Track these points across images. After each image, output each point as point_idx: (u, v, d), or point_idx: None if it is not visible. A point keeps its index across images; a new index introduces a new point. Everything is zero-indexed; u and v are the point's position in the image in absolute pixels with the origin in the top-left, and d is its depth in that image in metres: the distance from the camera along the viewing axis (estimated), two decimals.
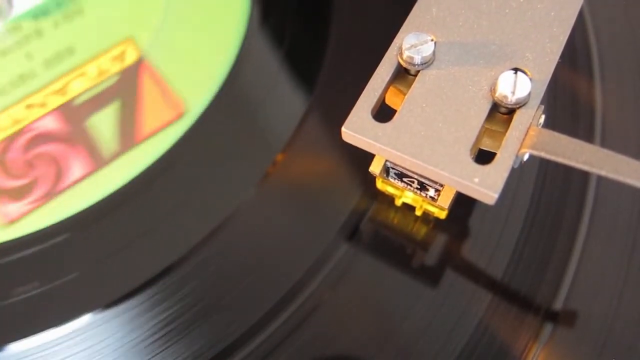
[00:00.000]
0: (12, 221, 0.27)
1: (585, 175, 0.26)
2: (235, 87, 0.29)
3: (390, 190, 0.25)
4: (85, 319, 0.25)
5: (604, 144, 0.27)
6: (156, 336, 0.24)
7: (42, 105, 0.30)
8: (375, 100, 0.22)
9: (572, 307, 0.24)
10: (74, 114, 0.29)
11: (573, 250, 0.25)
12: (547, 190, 0.26)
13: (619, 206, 0.26)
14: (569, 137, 0.21)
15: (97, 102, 0.30)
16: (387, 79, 0.23)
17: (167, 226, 0.27)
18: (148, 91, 0.30)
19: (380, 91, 0.22)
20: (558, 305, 0.24)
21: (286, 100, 0.29)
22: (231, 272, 0.26)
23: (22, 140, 0.29)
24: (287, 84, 0.29)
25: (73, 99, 0.30)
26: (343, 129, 0.22)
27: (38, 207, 0.28)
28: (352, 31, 0.30)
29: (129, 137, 0.29)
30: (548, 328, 0.24)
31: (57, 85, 0.30)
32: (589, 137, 0.27)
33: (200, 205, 0.27)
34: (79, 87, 0.30)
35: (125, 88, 0.30)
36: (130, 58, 0.31)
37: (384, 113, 0.23)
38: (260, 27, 0.31)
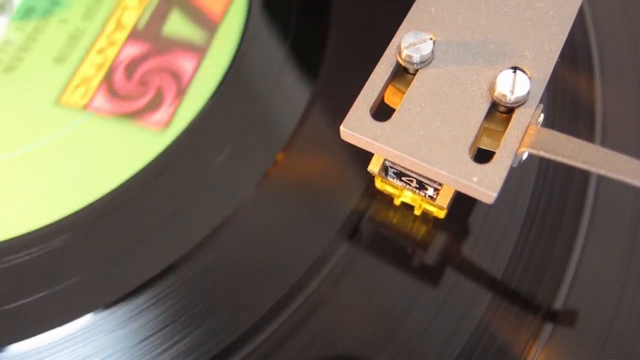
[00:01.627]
0: (167, 123, 0.29)
1: (585, 175, 0.26)
2: (236, 88, 0.29)
3: (389, 189, 0.25)
4: (86, 319, 0.25)
5: (604, 143, 0.27)
6: (156, 336, 0.24)
7: (112, 43, 0.31)
8: (373, 99, 0.22)
9: (572, 307, 0.24)
10: (146, 34, 0.31)
11: (573, 250, 0.25)
12: (547, 190, 0.26)
13: (619, 206, 0.26)
14: (568, 136, 0.21)
15: (159, 17, 0.32)
16: (386, 77, 0.23)
17: (168, 226, 0.27)
18: None
19: (378, 90, 0.22)
20: (558, 305, 0.24)
21: (286, 100, 0.29)
22: (231, 272, 0.26)
23: (119, 72, 0.31)
24: (287, 83, 0.29)
25: (135, 26, 0.32)
26: (341, 127, 0.22)
27: (180, 103, 0.29)
28: (353, 32, 0.30)
29: (208, 23, 0.31)
30: (548, 328, 0.24)
31: (111, 26, 0.32)
32: (589, 137, 0.27)
33: (201, 205, 0.27)
34: (132, 17, 0.32)
35: None
36: None
37: (382, 112, 0.22)
38: (260, 28, 0.31)
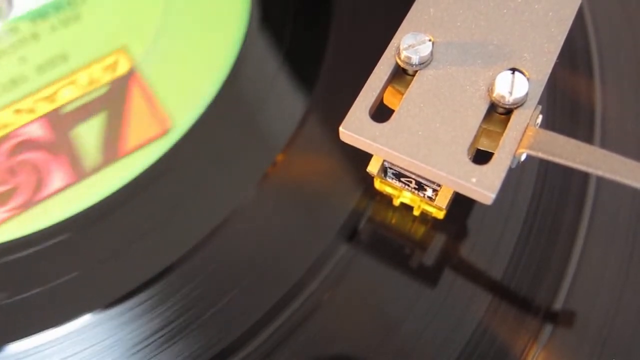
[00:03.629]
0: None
1: (585, 176, 0.26)
2: (236, 88, 0.29)
3: (388, 190, 0.25)
4: (85, 319, 0.25)
5: (603, 144, 0.27)
6: (156, 336, 0.25)
7: (31, 111, 0.30)
8: (373, 100, 0.22)
9: (572, 308, 0.24)
10: (61, 122, 0.29)
11: (573, 251, 0.25)
12: (547, 190, 0.26)
13: (619, 206, 0.26)
14: (566, 137, 0.21)
15: (85, 112, 0.29)
16: (385, 79, 0.23)
17: (168, 226, 0.27)
18: (136, 105, 0.29)
19: (378, 91, 0.22)
20: (558, 305, 0.24)
21: (286, 101, 0.29)
22: (231, 272, 0.26)
23: (7, 145, 0.29)
24: (287, 84, 0.29)
25: (61, 107, 0.30)
26: (341, 128, 0.22)
27: (15, 215, 0.27)
28: (352, 32, 0.30)
29: (112, 151, 0.28)
30: (548, 329, 0.24)
31: (47, 92, 0.30)
32: (588, 138, 0.27)
33: (201, 205, 0.27)
34: (69, 95, 0.30)
35: (114, 99, 0.30)
36: (122, 69, 0.30)
37: (382, 113, 0.23)
38: (260, 27, 0.31)
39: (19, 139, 0.29)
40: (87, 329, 0.25)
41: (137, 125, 0.29)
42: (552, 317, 0.24)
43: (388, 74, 0.23)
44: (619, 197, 0.26)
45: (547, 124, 0.27)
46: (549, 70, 0.22)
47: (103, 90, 0.30)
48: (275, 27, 0.31)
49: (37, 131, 0.29)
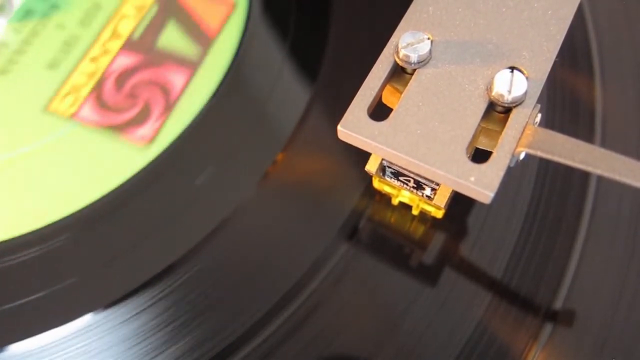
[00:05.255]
0: (151, 139, 0.29)
1: (585, 175, 0.26)
2: (236, 88, 0.29)
3: (387, 189, 0.25)
4: (85, 319, 0.25)
5: (604, 143, 0.27)
6: (156, 336, 0.25)
7: (105, 52, 0.31)
8: (371, 98, 0.22)
9: (572, 308, 0.24)
10: (141, 44, 0.31)
11: (573, 250, 0.25)
12: (547, 190, 0.26)
13: (619, 206, 0.26)
14: (565, 136, 0.21)
15: (155, 28, 0.31)
16: (384, 77, 0.23)
17: (168, 226, 0.27)
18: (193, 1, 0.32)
19: (376, 90, 0.22)
20: (558, 305, 0.24)
21: (286, 100, 0.29)
22: (231, 272, 0.26)
23: (109, 83, 0.30)
24: (287, 83, 0.29)
25: (130, 36, 0.31)
26: (339, 127, 0.22)
27: (166, 119, 0.29)
28: (352, 32, 0.30)
29: (204, 38, 0.31)
30: (548, 328, 0.24)
31: (107, 34, 0.32)
32: (589, 137, 0.27)
33: (201, 205, 0.27)
34: (128, 26, 0.32)
35: (171, 8, 0.32)
36: None
37: (381, 112, 0.23)
38: (259, 28, 0.31)
39: (116, 72, 0.31)
40: (87, 329, 0.25)
41: (207, 12, 0.32)
42: (552, 316, 0.24)
43: (386, 72, 0.23)
44: (620, 196, 0.26)
45: (547, 124, 0.27)
46: (548, 69, 0.22)
47: (155, 9, 0.32)
48: (275, 27, 0.31)
49: (126, 61, 0.31)
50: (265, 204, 0.27)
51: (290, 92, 0.29)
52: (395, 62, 0.23)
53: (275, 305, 0.25)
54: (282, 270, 0.25)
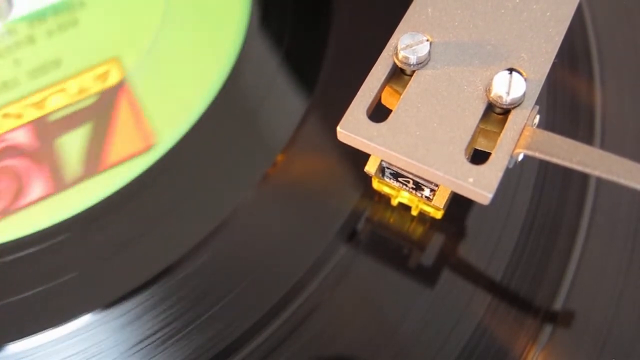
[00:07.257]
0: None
1: (585, 176, 0.26)
2: (236, 88, 0.29)
3: (386, 190, 0.25)
4: (85, 319, 0.25)
5: (603, 144, 0.27)
6: (156, 336, 0.25)
7: (18, 116, 0.29)
8: (370, 100, 0.22)
9: (572, 308, 0.24)
10: (46, 130, 0.29)
11: (573, 251, 0.25)
12: (547, 190, 0.26)
13: (619, 206, 0.26)
14: (563, 138, 0.21)
15: (71, 121, 0.29)
16: (383, 79, 0.23)
17: (168, 226, 0.27)
18: (122, 117, 0.29)
19: (375, 91, 0.22)
20: (557, 306, 0.24)
21: (286, 101, 0.29)
22: (231, 272, 0.26)
23: None
24: (286, 85, 0.29)
25: (48, 114, 0.29)
26: (338, 128, 0.22)
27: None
28: (352, 32, 0.30)
29: (93, 164, 0.28)
30: (547, 329, 0.24)
31: (37, 98, 0.30)
32: (588, 138, 0.27)
33: (201, 206, 0.27)
34: (57, 103, 0.30)
35: (101, 111, 0.29)
36: (113, 79, 0.30)
37: (380, 113, 0.23)
38: (259, 28, 0.31)
39: (4, 144, 0.29)
40: (87, 329, 0.25)
41: (122, 139, 0.29)
42: (551, 317, 0.24)
43: (386, 74, 0.23)
44: (619, 197, 0.26)
45: (546, 125, 0.27)
46: (547, 71, 0.22)
47: (91, 100, 0.30)
48: (274, 28, 0.31)
49: (22, 138, 0.29)
50: (265, 205, 0.27)
51: (290, 94, 0.29)
52: (395, 63, 0.23)
53: (275, 306, 0.25)
54: (282, 271, 0.25)
